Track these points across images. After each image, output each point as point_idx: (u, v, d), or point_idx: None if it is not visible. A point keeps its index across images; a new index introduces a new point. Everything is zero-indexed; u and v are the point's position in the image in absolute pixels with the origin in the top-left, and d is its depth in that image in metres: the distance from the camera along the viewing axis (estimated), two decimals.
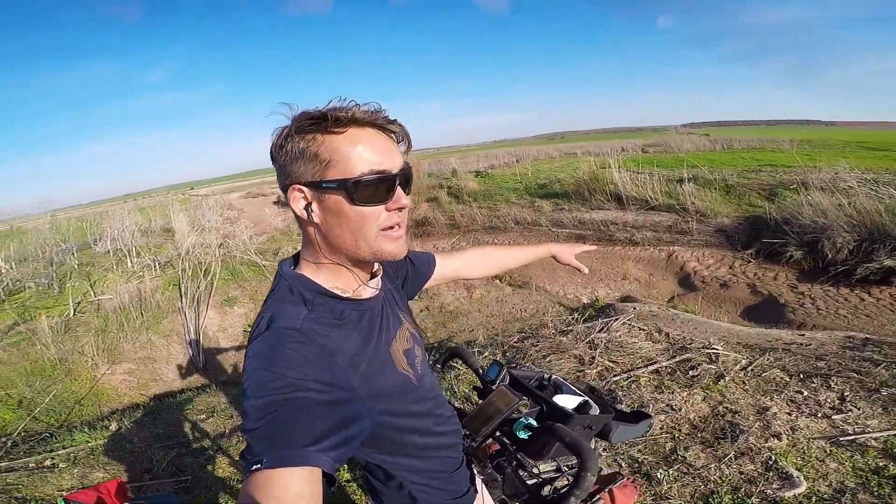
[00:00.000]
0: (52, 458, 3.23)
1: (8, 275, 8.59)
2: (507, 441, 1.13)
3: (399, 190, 0.78)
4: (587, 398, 1.16)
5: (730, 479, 2.19)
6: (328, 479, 0.63)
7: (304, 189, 0.75)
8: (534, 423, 1.01)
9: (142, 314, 6.77)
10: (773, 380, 2.98)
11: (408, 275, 1.14)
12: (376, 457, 0.91)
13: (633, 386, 3.11)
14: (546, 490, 1.16)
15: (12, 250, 9.80)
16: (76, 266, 9.20)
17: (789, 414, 2.61)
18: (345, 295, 0.82)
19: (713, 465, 2.29)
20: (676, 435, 2.57)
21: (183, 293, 6.90)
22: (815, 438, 2.40)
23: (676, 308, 5.61)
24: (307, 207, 0.76)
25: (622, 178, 11.73)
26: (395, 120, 0.78)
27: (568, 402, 1.15)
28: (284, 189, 0.77)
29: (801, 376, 2.97)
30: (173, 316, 6.88)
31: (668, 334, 3.88)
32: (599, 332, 4.03)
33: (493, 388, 1.15)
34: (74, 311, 6.85)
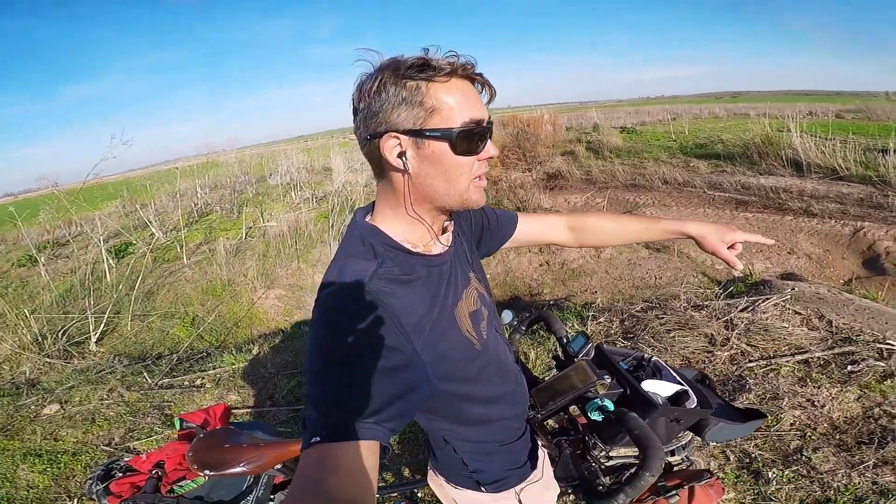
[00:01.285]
0: (202, 378, 3.62)
1: (202, 199, 10.51)
2: (577, 419, 1.05)
3: (489, 142, 0.77)
4: (687, 388, 1.04)
5: (857, 489, 1.89)
6: (383, 449, 0.64)
7: (402, 136, 0.72)
8: (609, 405, 0.92)
9: (295, 243, 7.69)
10: None
11: (484, 232, 1.07)
12: (433, 422, 0.93)
13: (771, 375, 2.75)
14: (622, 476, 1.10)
15: (207, 179, 11.89)
16: (252, 196, 10.83)
17: None
18: (415, 250, 0.81)
19: (842, 472, 1.98)
20: (808, 434, 2.25)
21: (331, 225, 7.68)
22: None
23: (853, 292, 4.71)
24: (401, 155, 0.73)
25: (804, 142, 9.91)
26: (482, 74, 0.76)
27: (661, 388, 1.04)
28: (374, 136, 0.74)
29: None
30: (321, 247, 7.64)
31: (830, 321, 3.31)
32: (742, 311, 3.59)
33: (574, 360, 1.06)
34: (246, 235, 8.09)
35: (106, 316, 5.11)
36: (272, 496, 1.42)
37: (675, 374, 1.08)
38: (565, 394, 0.97)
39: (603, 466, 1.09)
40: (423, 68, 0.70)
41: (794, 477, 2.02)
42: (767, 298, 3.76)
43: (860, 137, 10.14)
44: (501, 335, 1.00)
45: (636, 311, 3.91)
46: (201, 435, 1.36)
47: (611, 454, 1.08)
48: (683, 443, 1.22)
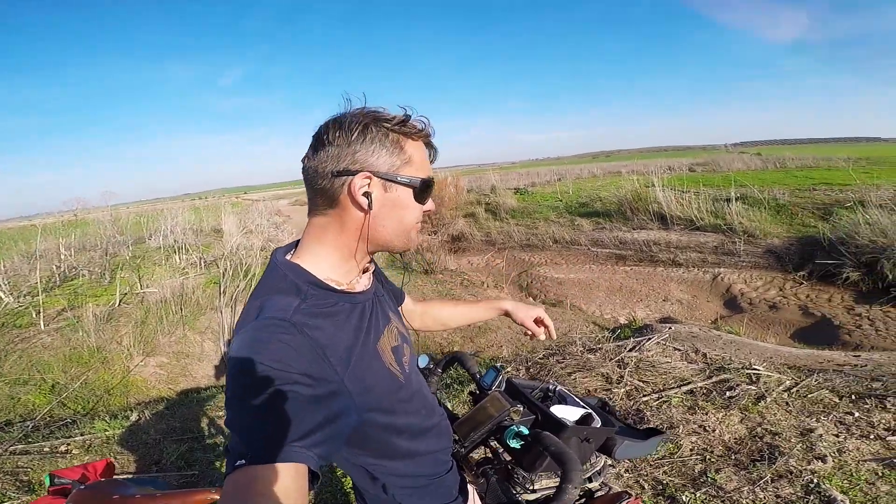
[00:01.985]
0: (68, 444, 3.32)
1: (66, 262, 9.13)
2: (500, 450, 1.07)
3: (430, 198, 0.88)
4: (591, 411, 1.09)
5: (764, 503, 2.00)
6: (312, 476, 0.62)
7: (374, 178, 0.77)
8: (525, 431, 0.96)
9: (181, 310, 6.97)
10: (820, 401, 2.74)
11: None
12: (360, 458, 0.89)
13: (664, 406, 2.92)
14: None
15: (73, 238, 10.39)
16: (128, 258, 9.71)
17: (837, 436, 2.39)
18: (339, 287, 0.82)
19: (746, 489, 2.09)
20: (707, 457, 2.38)
21: (222, 291, 7.05)
22: (865, 461, 2.18)
23: (719, 329, 5.30)
24: (367, 195, 0.77)
25: (666, 197, 11.42)
26: None
27: (568, 413, 1.09)
28: (345, 172, 0.77)
29: (853, 397, 2.73)
30: (211, 314, 7.01)
31: (705, 354, 3.65)
32: (630, 350, 3.84)
33: (488, 393, 1.11)
34: (120, 301, 7.17)
35: None
36: None
37: (578, 400, 1.13)
38: (484, 424, 1.00)
39: (528, 501, 1.09)
40: (404, 125, 0.79)
41: (706, 498, 2.10)
42: (650, 338, 4.07)
43: (709, 188, 11.93)
44: (420, 373, 1.03)
45: (539, 359, 4.02)
46: (81, 487, 1.17)
47: (534, 486, 1.05)
48: (599, 468, 1.25)
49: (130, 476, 2.94)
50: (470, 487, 1.08)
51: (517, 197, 16.80)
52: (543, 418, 1.03)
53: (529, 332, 1.31)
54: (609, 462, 1.25)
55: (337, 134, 0.77)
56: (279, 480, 0.56)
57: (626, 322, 6.29)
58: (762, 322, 6.48)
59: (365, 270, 0.91)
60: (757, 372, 3.14)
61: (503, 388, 1.15)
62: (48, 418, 4.17)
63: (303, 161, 0.81)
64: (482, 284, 8.41)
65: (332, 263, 0.82)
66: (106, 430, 3.51)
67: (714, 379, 3.14)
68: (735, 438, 2.50)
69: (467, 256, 11.66)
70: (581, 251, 10.80)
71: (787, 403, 2.75)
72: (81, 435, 3.45)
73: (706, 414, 2.73)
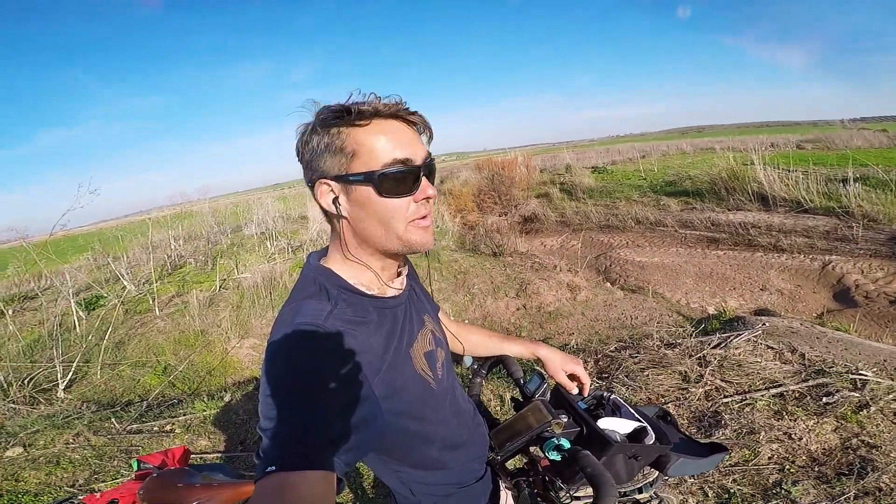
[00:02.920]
0: (173, 424, 3.62)
1: (175, 251, 10.22)
2: (538, 458, 1.05)
3: (425, 181, 0.77)
4: (645, 424, 1.03)
5: None
6: (338, 481, 0.63)
7: (331, 183, 0.75)
8: (566, 444, 0.92)
9: (270, 293, 7.46)
10: None
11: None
12: (389, 464, 0.90)
13: (747, 410, 2.69)
14: None
15: (181, 230, 11.65)
16: (226, 247, 10.62)
17: None
18: (369, 292, 0.81)
19: None
20: (787, 467, 2.18)
21: None
22: None
23: (825, 325, 4.73)
24: (335, 201, 0.75)
25: (768, 175, 10.25)
26: (416, 111, 0.77)
27: (619, 426, 1.04)
28: (311, 184, 0.77)
29: None
30: None
31: (802, 354, 3.28)
32: (714, 347, 3.55)
33: (531, 401, 1.07)
34: (220, 286, 7.89)
35: (75, 364, 5.08)
36: None
37: (633, 412, 1.08)
38: (522, 434, 0.97)
39: None
40: (342, 114, 0.71)
41: None
42: (739, 334, 3.74)
43: (821, 168, 10.55)
44: (457, 378, 1.01)
45: (610, 352, 3.85)
46: (154, 475, 1.31)
47: (577, 494, 1.03)
48: (650, 479, 1.20)
49: (217, 457, 3.18)
50: (504, 493, 1.07)
51: (595, 176, 15.99)
52: (589, 432, 0.99)
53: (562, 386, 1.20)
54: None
55: (297, 147, 0.78)
56: (308, 487, 0.58)
57: (716, 313, 5.82)
58: (880, 319, 5.67)
59: (398, 275, 0.89)
60: (863, 377, 2.77)
61: (548, 397, 1.12)
62: (160, 398, 4.62)
63: None
64: (555, 268, 8.11)
65: (355, 270, 0.81)
66: (204, 411, 3.82)
67: (810, 382, 2.83)
68: (823, 449, 2.26)
69: (540, 238, 11.33)
70: (667, 233, 10.08)
71: (894, 414, 2.42)
72: (184, 415, 3.78)
73: (794, 420, 2.49)
